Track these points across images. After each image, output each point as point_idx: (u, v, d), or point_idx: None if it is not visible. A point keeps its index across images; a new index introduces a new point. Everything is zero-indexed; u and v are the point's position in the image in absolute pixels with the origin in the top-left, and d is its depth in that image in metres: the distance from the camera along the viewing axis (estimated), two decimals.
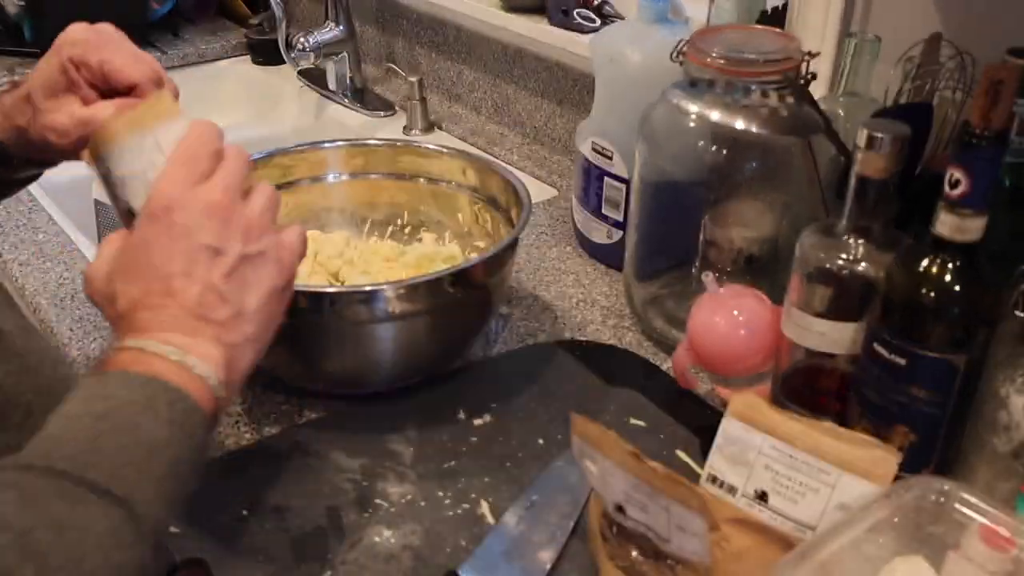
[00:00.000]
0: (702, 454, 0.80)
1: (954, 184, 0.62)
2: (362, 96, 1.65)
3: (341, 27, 1.61)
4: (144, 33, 1.84)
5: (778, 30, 0.93)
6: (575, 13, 1.29)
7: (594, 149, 1.09)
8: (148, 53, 0.71)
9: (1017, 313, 0.65)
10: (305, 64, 1.62)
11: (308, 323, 0.81)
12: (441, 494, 0.78)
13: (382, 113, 1.61)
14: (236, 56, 1.89)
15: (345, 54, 1.63)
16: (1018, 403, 0.65)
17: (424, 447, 0.83)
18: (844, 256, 0.71)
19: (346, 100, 1.65)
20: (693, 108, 0.87)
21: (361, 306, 0.82)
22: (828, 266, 0.71)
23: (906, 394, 0.67)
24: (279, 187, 1.03)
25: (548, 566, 0.71)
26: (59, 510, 0.48)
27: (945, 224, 0.63)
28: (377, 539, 0.73)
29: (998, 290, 0.65)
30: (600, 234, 1.12)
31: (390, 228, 1.08)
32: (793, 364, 0.77)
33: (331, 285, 0.96)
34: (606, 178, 1.08)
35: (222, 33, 1.94)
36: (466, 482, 0.79)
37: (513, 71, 1.46)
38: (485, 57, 1.51)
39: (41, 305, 1.05)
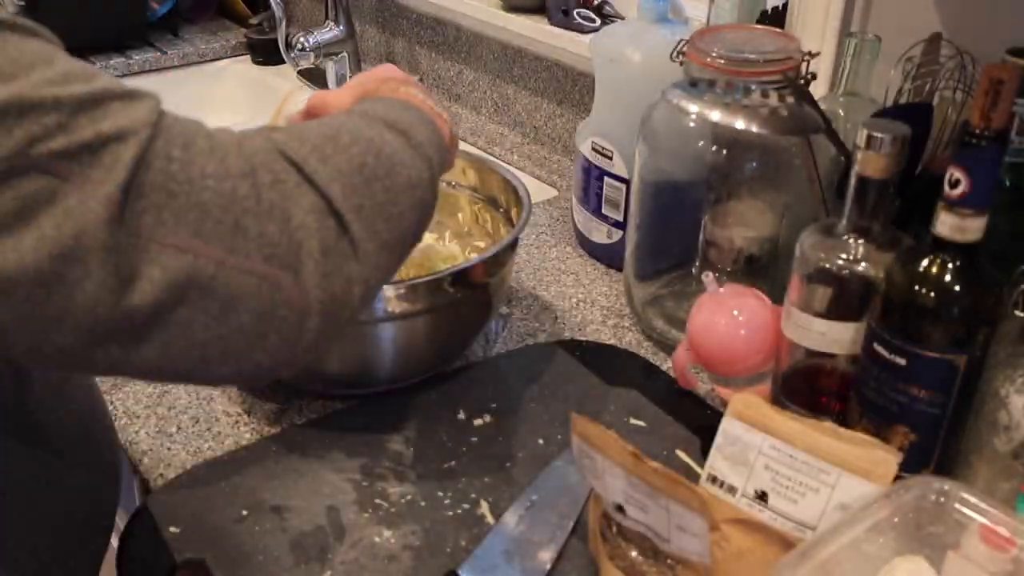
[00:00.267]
0: (702, 454, 0.80)
1: (954, 184, 0.62)
2: None
3: (341, 27, 1.61)
4: (144, 33, 1.84)
5: (778, 30, 0.93)
6: (575, 13, 1.29)
7: (594, 149, 1.09)
8: None
9: (1017, 313, 0.65)
10: (305, 64, 1.62)
11: None
12: (441, 494, 0.78)
13: None
14: (236, 56, 1.89)
15: (345, 54, 1.63)
16: (1018, 403, 0.65)
17: (424, 447, 0.83)
18: (844, 256, 0.71)
19: None
20: (693, 108, 0.87)
21: None
22: (828, 266, 0.71)
23: (906, 394, 0.67)
24: None
25: (548, 566, 0.71)
26: (359, 121, 0.61)
27: (945, 224, 0.63)
28: (377, 539, 0.73)
29: (998, 290, 0.65)
30: (600, 234, 1.12)
31: None
32: (793, 364, 0.77)
33: None
34: (606, 178, 1.08)
35: (222, 33, 1.94)
36: (466, 482, 0.79)
37: (513, 71, 1.46)
38: (485, 57, 1.51)
39: None
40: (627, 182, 1.06)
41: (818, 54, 0.88)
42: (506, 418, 0.86)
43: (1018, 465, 0.66)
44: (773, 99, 0.84)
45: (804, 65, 0.86)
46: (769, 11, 1.01)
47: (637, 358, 0.96)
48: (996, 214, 0.63)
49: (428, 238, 1.06)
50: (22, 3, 1.73)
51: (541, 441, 0.84)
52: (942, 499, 0.60)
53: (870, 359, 0.69)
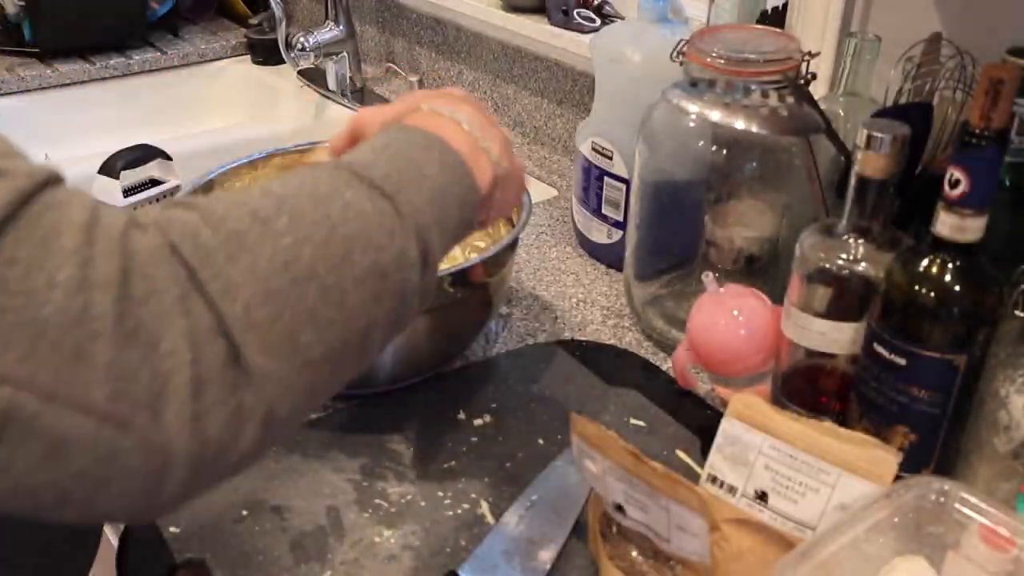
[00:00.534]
0: (702, 454, 0.80)
1: (954, 184, 0.62)
2: (362, 96, 1.65)
3: (341, 27, 1.61)
4: (143, 33, 1.84)
5: (778, 30, 0.93)
6: (575, 13, 1.29)
7: (594, 149, 1.09)
8: None
9: (1017, 313, 0.65)
10: (305, 64, 1.62)
11: None
12: (441, 494, 0.78)
13: None
14: (236, 56, 1.89)
15: (345, 54, 1.63)
16: (1018, 403, 0.65)
17: (424, 447, 0.83)
18: (844, 256, 0.71)
19: (346, 100, 1.65)
20: (693, 108, 0.87)
21: None
22: (828, 266, 0.71)
23: (906, 394, 0.67)
24: None
25: (548, 566, 0.71)
26: (326, 186, 0.50)
27: (945, 224, 0.63)
28: (377, 539, 0.73)
29: (998, 290, 0.65)
30: (600, 234, 1.12)
31: None
32: (793, 364, 0.77)
33: None
34: (606, 178, 1.08)
35: (222, 33, 1.94)
36: (466, 482, 0.79)
37: (513, 71, 1.46)
38: (485, 57, 1.51)
39: None
40: (627, 182, 1.06)
41: (818, 54, 0.88)
42: (506, 418, 0.86)
43: (1018, 465, 0.66)
44: (773, 99, 0.84)
45: (804, 65, 0.86)
46: (769, 11, 1.01)
47: (637, 358, 0.96)
48: (996, 214, 0.63)
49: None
50: (22, 3, 1.73)
51: (541, 441, 0.84)
52: (942, 499, 0.60)
53: (870, 359, 0.69)
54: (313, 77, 1.71)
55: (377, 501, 0.77)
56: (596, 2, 1.30)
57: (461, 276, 0.84)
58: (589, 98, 1.13)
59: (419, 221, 0.52)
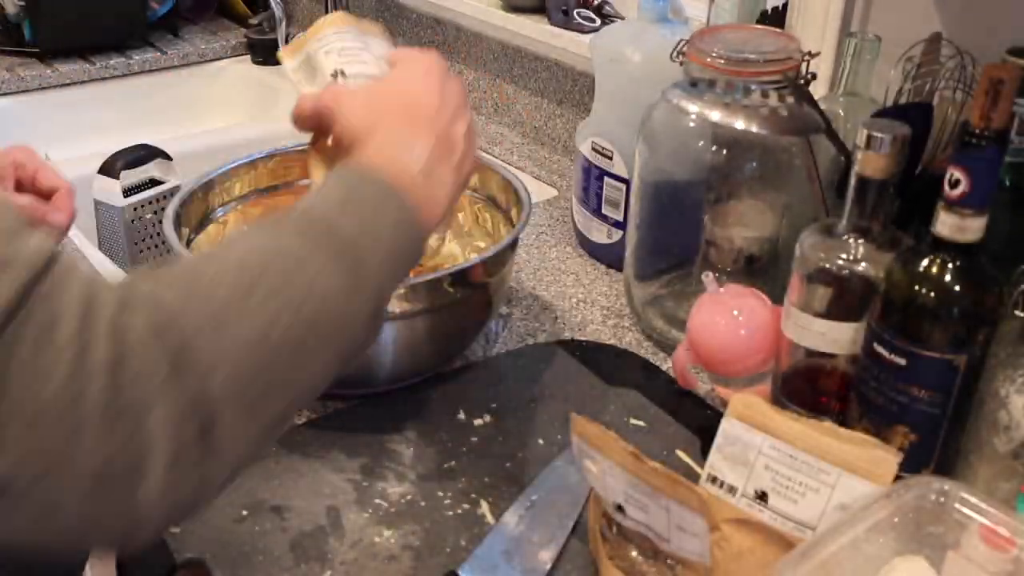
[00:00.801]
0: (702, 454, 0.80)
1: (954, 184, 0.62)
2: None
3: None
4: (144, 33, 1.83)
5: (778, 30, 0.93)
6: (575, 13, 1.29)
7: (594, 149, 1.09)
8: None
9: (1017, 313, 0.65)
10: None
11: None
12: (441, 494, 0.78)
13: None
14: (236, 56, 1.89)
15: None
16: (1018, 403, 0.65)
17: (424, 447, 0.83)
18: (844, 256, 0.71)
19: None
20: (693, 108, 0.87)
21: None
22: (828, 266, 0.71)
23: (906, 394, 0.67)
24: (278, 187, 1.04)
25: (548, 566, 0.71)
26: (294, 256, 0.53)
27: (945, 224, 0.63)
28: (377, 539, 0.73)
29: (998, 290, 0.65)
30: (600, 234, 1.12)
31: None
32: (793, 364, 0.77)
33: None
34: (606, 178, 1.08)
35: (222, 33, 1.94)
36: (466, 482, 0.79)
37: (513, 71, 1.46)
38: (485, 57, 1.51)
39: None
40: (627, 182, 1.06)
41: (818, 54, 0.88)
42: (506, 418, 0.86)
43: (1018, 465, 0.66)
44: (773, 99, 0.84)
45: (804, 65, 0.86)
46: (769, 11, 1.01)
47: (637, 358, 0.96)
48: (996, 214, 0.63)
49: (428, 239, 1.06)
50: (22, 3, 1.73)
51: (541, 441, 0.84)
52: (942, 499, 0.60)
53: (870, 359, 0.69)
54: None
55: (377, 501, 0.77)
56: (596, 2, 1.30)
57: (461, 276, 0.84)
58: (589, 98, 1.14)
59: (377, 282, 0.57)
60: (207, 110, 1.86)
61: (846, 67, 0.88)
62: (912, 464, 0.67)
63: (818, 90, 0.93)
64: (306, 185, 1.05)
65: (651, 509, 0.63)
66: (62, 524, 0.45)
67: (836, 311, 0.72)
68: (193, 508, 0.49)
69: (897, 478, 0.63)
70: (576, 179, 1.15)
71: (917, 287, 0.65)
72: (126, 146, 1.29)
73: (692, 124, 0.90)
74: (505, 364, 0.94)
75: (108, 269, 1.13)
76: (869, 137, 0.67)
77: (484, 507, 0.77)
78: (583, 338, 0.99)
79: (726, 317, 0.82)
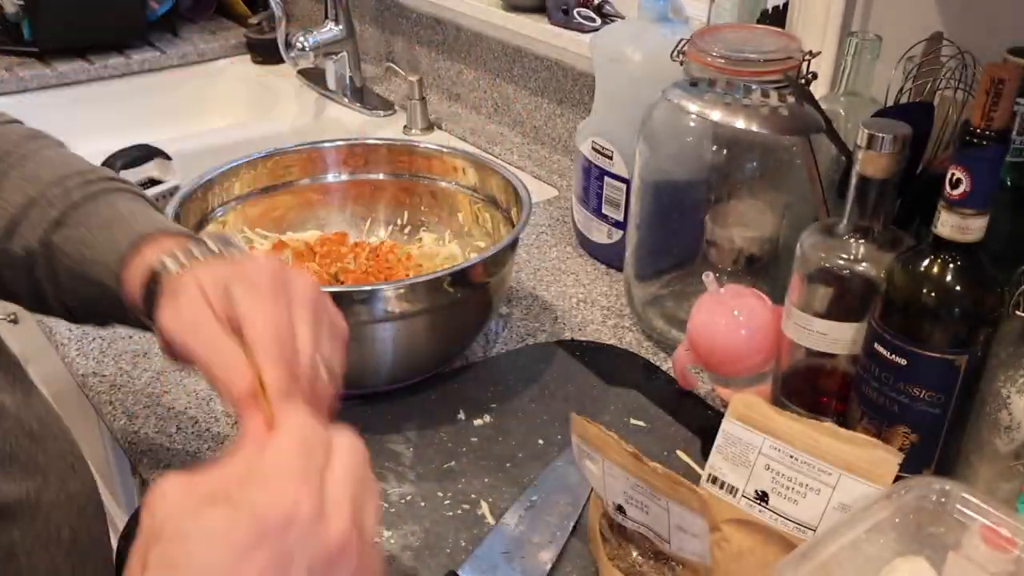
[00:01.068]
0: (702, 454, 0.80)
1: (955, 184, 0.62)
2: (361, 95, 1.65)
3: (340, 26, 1.61)
4: (143, 33, 1.83)
5: (779, 29, 0.93)
6: (575, 12, 1.29)
7: (594, 149, 1.09)
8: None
9: (1018, 313, 0.65)
10: (304, 63, 1.62)
11: None
12: (441, 494, 0.78)
13: (382, 113, 1.60)
14: (235, 55, 1.89)
15: (344, 53, 1.63)
16: (1019, 403, 0.65)
17: (424, 447, 0.83)
18: (845, 256, 0.71)
19: (346, 99, 1.65)
20: (693, 108, 0.87)
21: (361, 306, 0.81)
22: (829, 266, 0.71)
23: (907, 394, 0.67)
24: (278, 187, 1.04)
25: (548, 566, 0.71)
26: None
27: (946, 224, 0.63)
28: (377, 539, 0.73)
29: (999, 290, 0.65)
30: (600, 234, 1.12)
31: (390, 228, 1.08)
32: (793, 364, 0.77)
33: (331, 285, 0.96)
34: (606, 178, 1.08)
35: (221, 32, 1.93)
36: (466, 482, 0.79)
37: (513, 70, 1.46)
38: (485, 56, 1.51)
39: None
40: (627, 182, 1.06)
41: (819, 53, 0.88)
42: (506, 418, 0.86)
43: (1019, 466, 0.66)
44: (773, 99, 0.84)
45: (805, 64, 0.86)
46: (769, 10, 1.01)
47: (637, 358, 0.96)
48: (997, 214, 0.63)
49: (428, 239, 1.06)
50: (22, 2, 1.73)
51: (541, 441, 0.84)
52: (943, 499, 0.60)
53: (871, 359, 0.69)
54: (313, 77, 1.71)
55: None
56: (596, 2, 1.30)
57: (461, 276, 0.84)
58: (589, 98, 1.13)
59: None
60: (206, 110, 1.86)
61: (847, 66, 0.88)
62: (913, 464, 0.67)
63: (819, 90, 0.92)
64: (306, 185, 1.05)
65: (651, 509, 0.63)
66: None
67: (837, 311, 0.72)
68: None
69: (898, 478, 0.63)
70: (576, 179, 1.15)
71: (918, 287, 0.65)
72: (125, 146, 1.29)
73: (692, 124, 0.90)
74: (505, 364, 0.94)
75: None
76: (870, 137, 0.67)
77: (484, 507, 0.76)
78: (583, 338, 0.99)
79: (726, 317, 0.82)
